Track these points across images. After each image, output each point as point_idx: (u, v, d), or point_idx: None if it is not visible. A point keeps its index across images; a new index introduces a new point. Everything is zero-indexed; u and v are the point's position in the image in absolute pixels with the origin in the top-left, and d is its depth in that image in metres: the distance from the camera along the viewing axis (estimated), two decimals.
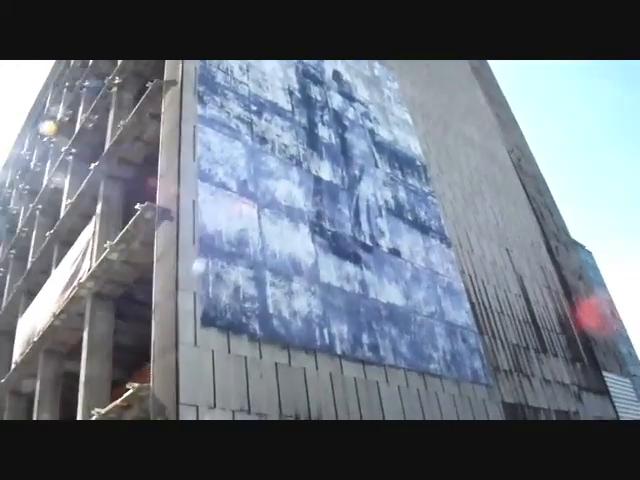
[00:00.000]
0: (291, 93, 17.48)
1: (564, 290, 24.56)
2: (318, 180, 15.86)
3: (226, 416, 10.25)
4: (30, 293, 20.36)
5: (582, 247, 67.51)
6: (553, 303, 22.98)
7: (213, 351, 10.79)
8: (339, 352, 12.83)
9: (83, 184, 17.65)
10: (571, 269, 27.07)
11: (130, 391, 10.57)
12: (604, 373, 22.67)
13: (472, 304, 17.89)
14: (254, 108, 15.81)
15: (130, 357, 15.55)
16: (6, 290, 24.03)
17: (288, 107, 16.96)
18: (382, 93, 21.89)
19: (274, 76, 17.32)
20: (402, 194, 18.50)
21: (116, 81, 18.54)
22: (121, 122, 16.48)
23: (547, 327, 21.22)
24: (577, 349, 22.18)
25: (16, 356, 19.04)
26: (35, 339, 16.97)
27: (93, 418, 11.51)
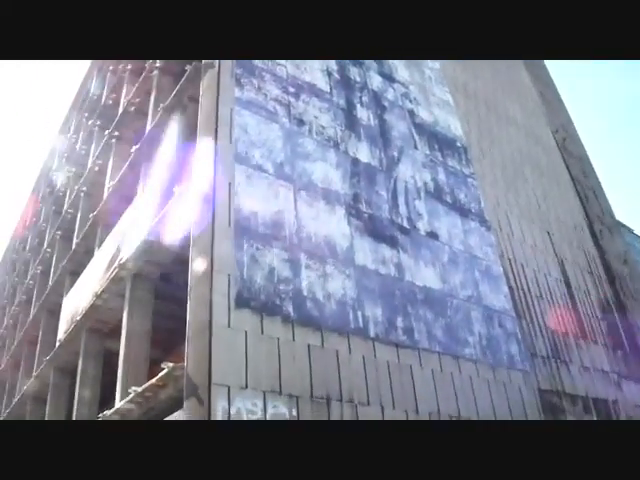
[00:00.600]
0: (329, 74, 17.41)
1: (607, 275, 24.06)
2: (355, 162, 15.81)
3: (257, 396, 10.37)
4: (75, 273, 20.85)
5: (630, 230, 66.03)
6: (595, 288, 22.54)
7: (246, 332, 10.91)
8: (373, 335, 12.85)
9: (125, 166, 17.96)
10: (615, 253, 26.50)
11: (165, 370, 10.79)
12: None
13: (510, 288, 17.67)
14: (292, 90, 15.81)
15: (168, 337, 15.81)
16: (52, 270, 24.64)
17: (326, 88, 16.92)
18: (423, 73, 21.65)
19: None
20: (441, 176, 18.34)
21: (157, 64, 18.74)
22: (161, 105, 16.68)
23: (588, 313, 20.86)
24: (619, 336, 21.73)
25: (61, 334, 19.55)
26: (78, 318, 17.39)
27: (130, 396, 11.81)
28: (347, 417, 11.38)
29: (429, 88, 21.33)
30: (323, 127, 15.74)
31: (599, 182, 30.79)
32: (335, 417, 11.21)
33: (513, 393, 15.13)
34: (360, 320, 12.81)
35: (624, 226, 62.72)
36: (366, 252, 14.11)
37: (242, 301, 11.19)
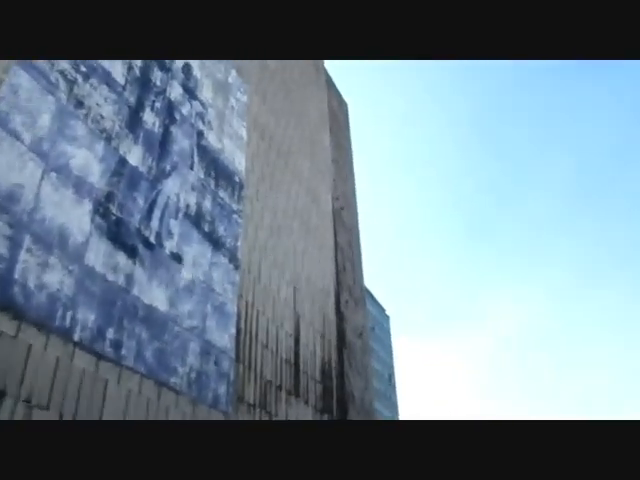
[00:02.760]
0: (130, 69, 16.83)
1: (338, 343, 25.16)
2: (123, 162, 15.25)
3: None
4: None
5: (382, 310, 70.47)
6: (322, 352, 23.42)
7: None
8: (76, 339, 12.20)
9: None
10: (354, 325, 27.89)
11: None
12: None
13: (239, 330, 17.80)
14: (83, 69, 15.03)
15: None
16: None
17: (121, 81, 16.31)
18: (227, 101, 21.68)
19: None
20: (207, 203, 18.25)
21: None
22: None
23: (307, 372, 21.54)
24: (330, 401, 22.68)
25: None
26: None
27: None
28: (19, 417, 10.60)
29: (228, 117, 21.36)
30: (102, 117, 15.07)
31: (360, 256, 32.49)
32: (5, 415, 10.39)
33: None
34: (68, 320, 12.12)
35: (378, 305, 66.83)
36: (99, 254, 13.50)
37: None
